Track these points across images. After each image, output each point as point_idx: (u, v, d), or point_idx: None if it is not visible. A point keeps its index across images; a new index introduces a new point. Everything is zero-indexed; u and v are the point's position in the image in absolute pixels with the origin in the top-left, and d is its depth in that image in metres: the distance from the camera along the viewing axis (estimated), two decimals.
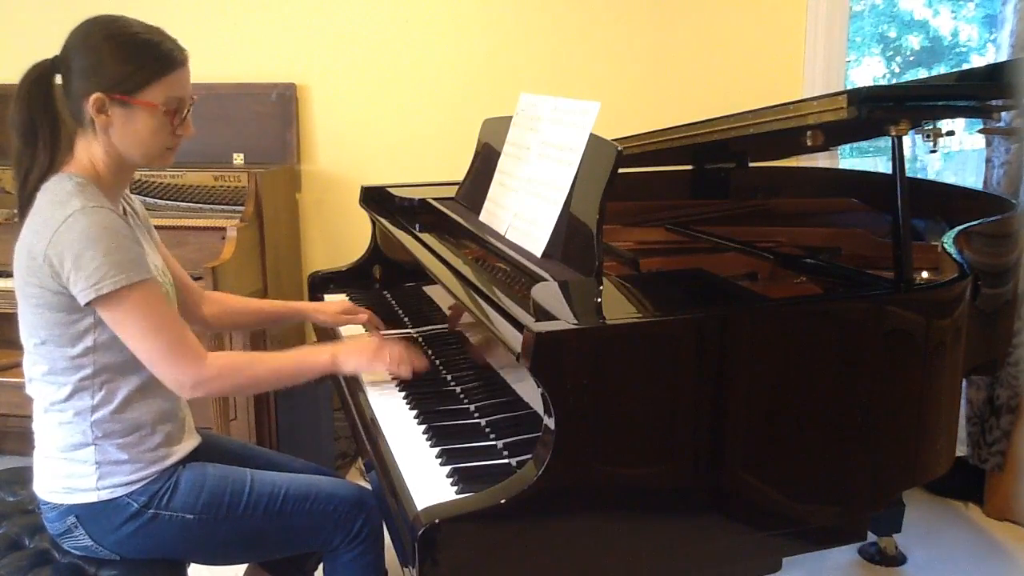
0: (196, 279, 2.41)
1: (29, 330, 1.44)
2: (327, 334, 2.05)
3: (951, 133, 1.74)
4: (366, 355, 1.61)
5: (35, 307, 1.40)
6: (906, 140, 1.57)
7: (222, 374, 1.46)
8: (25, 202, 1.42)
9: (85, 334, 1.40)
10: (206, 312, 1.80)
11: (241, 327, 1.97)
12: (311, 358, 1.58)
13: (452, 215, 1.96)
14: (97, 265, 1.33)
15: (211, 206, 2.78)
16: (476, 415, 1.54)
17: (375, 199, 2.37)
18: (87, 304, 1.35)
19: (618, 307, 1.37)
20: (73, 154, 1.45)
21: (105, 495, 1.43)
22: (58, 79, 1.43)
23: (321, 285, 2.38)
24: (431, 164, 3.01)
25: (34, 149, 1.42)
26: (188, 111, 1.46)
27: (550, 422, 1.18)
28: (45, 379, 1.44)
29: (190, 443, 1.56)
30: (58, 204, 1.36)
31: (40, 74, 1.42)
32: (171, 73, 1.42)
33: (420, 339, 1.95)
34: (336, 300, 1.98)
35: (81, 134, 1.44)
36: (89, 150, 1.44)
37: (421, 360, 1.66)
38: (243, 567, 1.79)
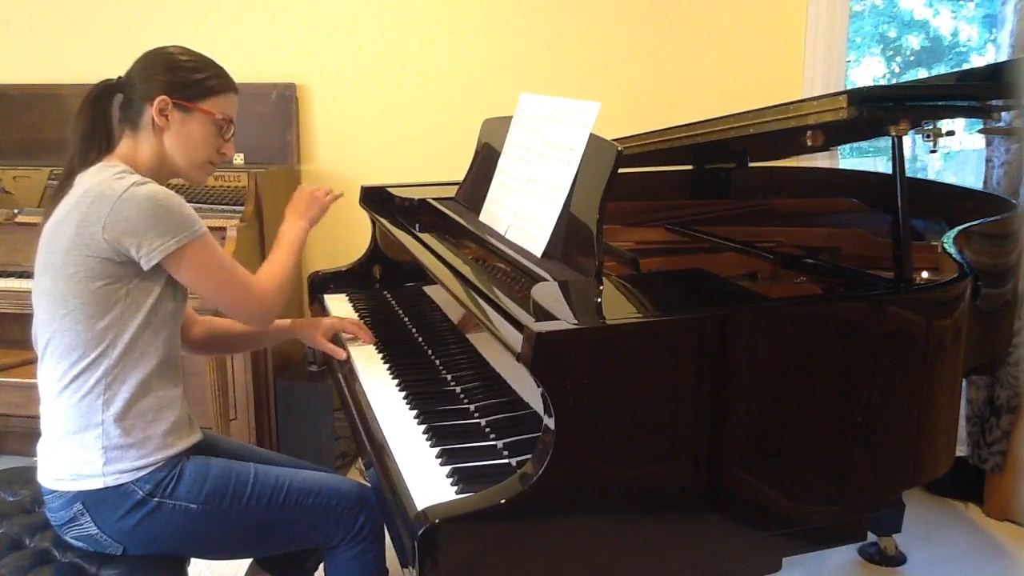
0: None
1: (59, 300, 1.44)
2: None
3: (951, 133, 1.74)
4: (311, 206, 1.82)
5: (71, 276, 1.43)
6: (906, 140, 1.57)
7: (277, 285, 1.63)
8: (61, 187, 1.50)
9: (114, 305, 1.44)
10: (195, 333, 1.81)
11: (230, 351, 1.97)
12: (295, 234, 1.77)
13: (452, 215, 1.96)
14: (178, 220, 1.44)
15: (211, 206, 2.78)
16: (476, 415, 1.54)
17: (375, 199, 2.38)
18: (162, 261, 1.42)
19: (618, 307, 1.37)
20: (116, 150, 1.54)
21: (111, 481, 1.44)
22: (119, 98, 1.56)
23: (321, 285, 2.38)
24: (431, 164, 3.01)
25: (87, 151, 1.53)
26: (233, 133, 1.61)
27: (550, 422, 1.18)
28: (61, 354, 1.46)
29: (194, 436, 1.56)
30: (110, 181, 1.44)
31: (103, 90, 1.56)
32: (228, 92, 1.59)
33: (420, 338, 1.96)
34: (326, 319, 1.98)
35: (129, 135, 1.55)
36: (135, 149, 1.54)
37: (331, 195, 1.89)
38: (243, 568, 1.80)
